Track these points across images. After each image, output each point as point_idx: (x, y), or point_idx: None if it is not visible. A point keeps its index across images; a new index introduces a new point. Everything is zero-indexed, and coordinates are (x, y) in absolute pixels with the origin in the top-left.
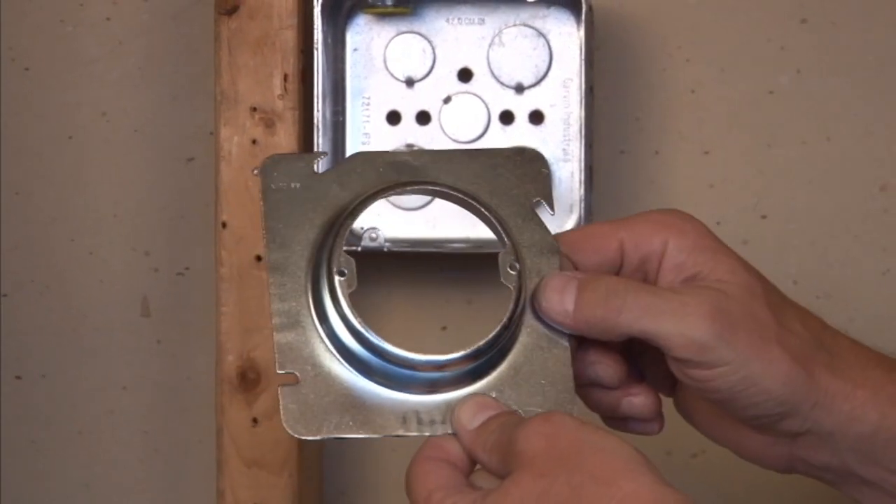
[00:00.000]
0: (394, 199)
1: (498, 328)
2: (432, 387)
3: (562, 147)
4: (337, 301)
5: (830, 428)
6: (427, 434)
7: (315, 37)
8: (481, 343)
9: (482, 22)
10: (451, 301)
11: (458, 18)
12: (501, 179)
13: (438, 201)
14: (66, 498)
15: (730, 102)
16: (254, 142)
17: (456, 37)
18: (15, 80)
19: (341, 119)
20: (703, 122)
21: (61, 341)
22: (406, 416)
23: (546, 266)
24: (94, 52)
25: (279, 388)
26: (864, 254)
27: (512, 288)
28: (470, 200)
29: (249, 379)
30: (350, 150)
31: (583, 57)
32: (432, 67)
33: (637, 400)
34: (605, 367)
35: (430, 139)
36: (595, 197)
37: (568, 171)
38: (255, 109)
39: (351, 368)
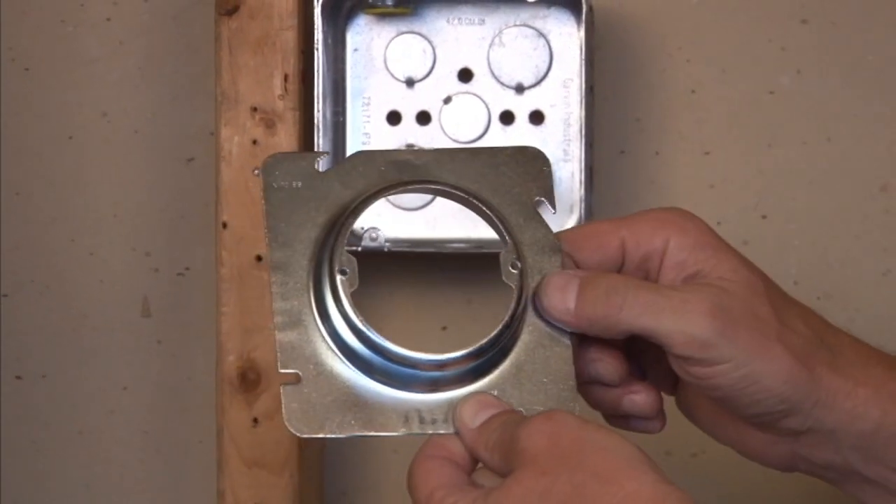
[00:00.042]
0: (394, 199)
1: (500, 327)
2: (434, 385)
3: (562, 147)
4: (339, 300)
5: (832, 426)
6: (429, 433)
7: (315, 37)
8: (483, 341)
9: (482, 22)
10: (451, 301)
11: (459, 19)
12: (503, 178)
13: (439, 201)
14: (66, 498)
15: (730, 103)
16: (254, 142)
17: (456, 37)
18: (15, 81)
19: (341, 119)
20: (703, 122)
21: (62, 341)
22: (408, 414)
23: (548, 264)
24: (95, 52)
25: (281, 388)
26: (864, 254)
27: (513, 287)
28: (472, 199)
29: (250, 379)
30: (350, 150)
31: (583, 57)
32: (432, 68)
33: (638, 398)
34: (606, 365)
35: (431, 139)
36: (595, 197)
37: (568, 172)
38: (255, 110)
39: (353, 367)
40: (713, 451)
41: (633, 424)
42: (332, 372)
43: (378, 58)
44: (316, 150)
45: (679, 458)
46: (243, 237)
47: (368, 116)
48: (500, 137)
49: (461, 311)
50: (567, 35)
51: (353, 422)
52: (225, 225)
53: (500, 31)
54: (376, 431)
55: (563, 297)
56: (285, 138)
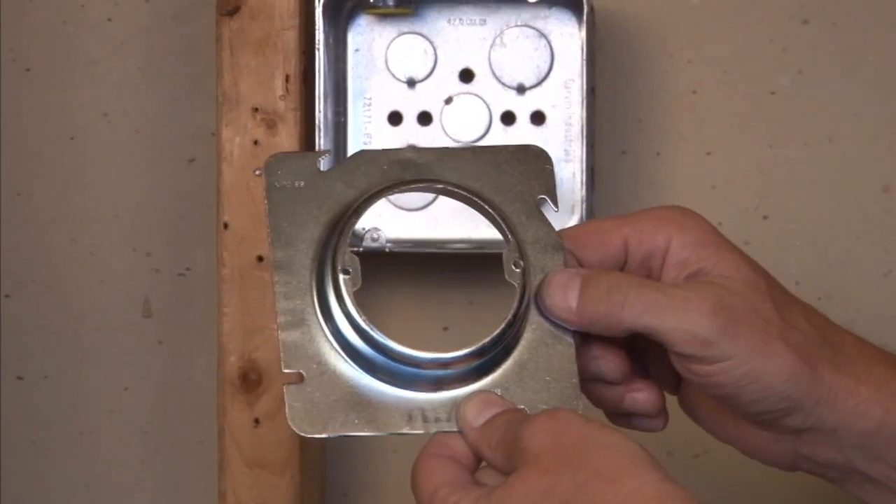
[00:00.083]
0: (395, 199)
1: (503, 325)
2: (437, 384)
3: (563, 148)
4: (342, 299)
5: (834, 424)
6: (433, 431)
7: (317, 37)
8: (486, 340)
9: (483, 22)
10: (452, 301)
11: (460, 19)
12: (505, 176)
13: (440, 202)
14: (66, 498)
15: (731, 103)
16: (255, 142)
17: (457, 37)
18: (16, 81)
19: (343, 120)
20: (704, 122)
21: (62, 342)
22: (411, 413)
23: (550, 263)
24: (96, 52)
25: (284, 387)
26: (865, 255)
27: (516, 285)
28: (474, 198)
29: (251, 380)
30: (351, 150)
31: (584, 58)
32: (434, 68)
33: (640, 396)
34: (609, 363)
35: (432, 140)
36: (596, 198)
37: (569, 172)
38: (256, 110)
39: (356, 366)
40: (715, 452)
41: (636, 422)
42: (335, 371)
43: (379, 58)
44: (317, 150)
45: (681, 459)
46: (244, 238)
47: (370, 117)
48: (502, 138)
49: (462, 311)
50: (568, 35)
51: (356, 421)
52: (226, 225)
53: (502, 32)
54: (380, 430)
55: (565, 296)
56: (286, 139)
